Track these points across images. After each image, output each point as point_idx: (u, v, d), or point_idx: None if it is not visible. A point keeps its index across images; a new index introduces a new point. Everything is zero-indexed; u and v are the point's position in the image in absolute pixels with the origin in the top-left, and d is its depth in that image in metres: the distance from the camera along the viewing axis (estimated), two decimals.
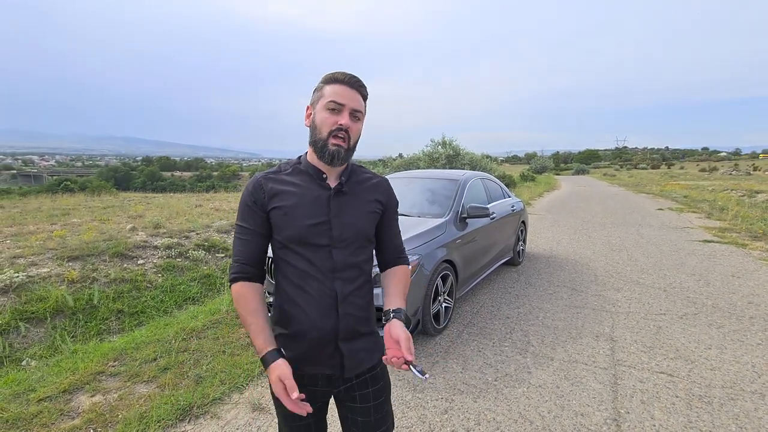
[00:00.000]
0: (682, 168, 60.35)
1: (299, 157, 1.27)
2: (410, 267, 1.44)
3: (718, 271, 5.51)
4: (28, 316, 3.58)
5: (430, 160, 14.43)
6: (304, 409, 1.07)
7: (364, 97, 1.19)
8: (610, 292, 4.68)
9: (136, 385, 2.76)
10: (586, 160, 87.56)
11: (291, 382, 1.05)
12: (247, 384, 2.77)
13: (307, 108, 1.21)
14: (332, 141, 1.13)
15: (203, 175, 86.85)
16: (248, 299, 1.15)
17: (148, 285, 4.50)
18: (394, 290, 1.29)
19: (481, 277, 4.60)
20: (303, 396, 1.08)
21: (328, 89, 1.14)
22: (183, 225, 6.50)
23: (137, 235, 5.63)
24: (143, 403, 2.53)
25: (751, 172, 38.64)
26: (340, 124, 1.12)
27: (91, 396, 2.64)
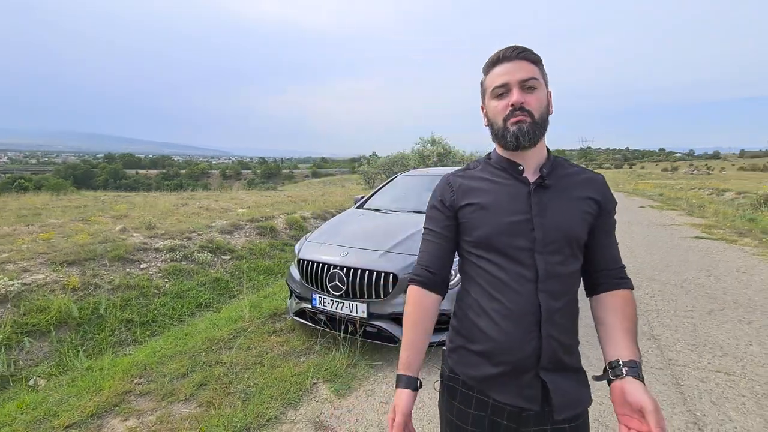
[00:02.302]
0: (643, 167, 63.28)
1: (489, 153, 1.12)
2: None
3: (723, 266, 5.67)
4: (30, 329, 3.18)
5: (421, 158, 14.32)
6: None
7: (534, 62, 0.99)
8: None
9: (172, 405, 2.47)
10: None
11: (400, 420, 0.97)
12: (300, 398, 2.54)
13: (481, 108, 1.08)
14: (510, 122, 0.97)
15: (170, 173, 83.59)
16: (416, 307, 1.07)
17: (155, 291, 4.14)
18: (620, 329, 0.97)
19: None
20: None
21: (488, 79, 1.02)
22: (178, 226, 6.08)
23: (132, 236, 5.21)
24: (189, 426, 2.26)
25: (710, 172, 40.97)
26: (512, 104, 0.96)
27: (124, 420, 2.34)
